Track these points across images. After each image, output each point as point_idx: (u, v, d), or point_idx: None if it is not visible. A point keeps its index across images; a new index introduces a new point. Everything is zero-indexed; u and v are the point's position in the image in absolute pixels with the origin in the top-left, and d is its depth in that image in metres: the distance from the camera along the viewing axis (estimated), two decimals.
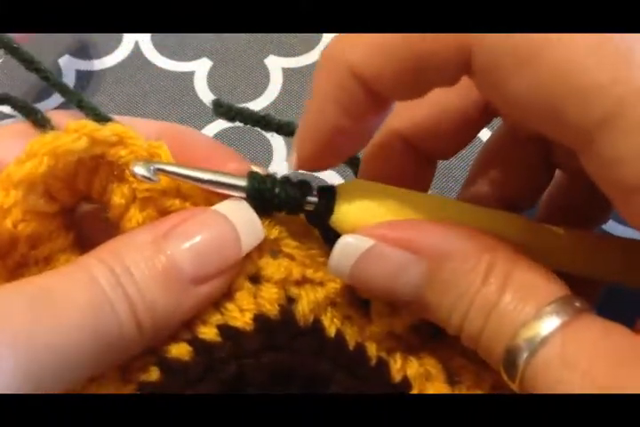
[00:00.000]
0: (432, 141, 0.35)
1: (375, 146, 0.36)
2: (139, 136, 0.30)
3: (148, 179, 0.30)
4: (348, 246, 0.29)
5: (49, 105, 0.48)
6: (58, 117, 0.33)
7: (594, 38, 0.23)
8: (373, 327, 0.32)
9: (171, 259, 0.29)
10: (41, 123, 0.32)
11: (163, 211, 0.32)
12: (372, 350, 0.32)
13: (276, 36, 0.51)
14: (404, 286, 0.29)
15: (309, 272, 0.33)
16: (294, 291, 0.32)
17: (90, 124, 0.29)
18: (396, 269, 0.29)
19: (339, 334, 0.32)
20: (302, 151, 0.31)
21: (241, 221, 0.31)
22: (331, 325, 0.32)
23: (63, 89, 0.36)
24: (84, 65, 0.50)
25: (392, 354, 0.32)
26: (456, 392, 0.31)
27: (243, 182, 0.31)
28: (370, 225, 0.30)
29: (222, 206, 0.32)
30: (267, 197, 0.31)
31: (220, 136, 0.48)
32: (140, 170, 0.30)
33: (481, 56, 0.25)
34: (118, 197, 0.31)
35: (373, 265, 0.29)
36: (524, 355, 0.26)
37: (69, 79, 0.49)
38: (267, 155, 0.47)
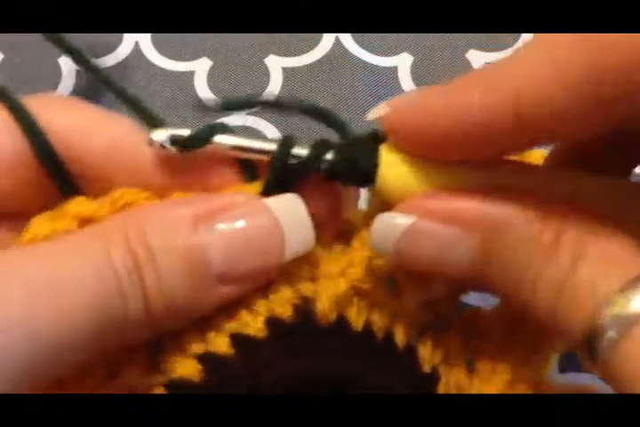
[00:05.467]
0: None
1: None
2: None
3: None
4: (387, 226, 0.26)
5: None
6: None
7: None
8: (404, 301, 0.29)
9: (202, 248, 0.26)
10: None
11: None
12: (400, 335, 0.29)
13: (276, 36, 0.51)
14: (456, 264, 0.26)
15: (325, 267, 0.29)
16: (309, 288, 0.28)
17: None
18: (443, 247, 0.25)
19: (366, 326, 0.29)
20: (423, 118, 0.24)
21: (290, 223, 0.27)
22: (358, 318, 0.29)
23: (118, 91, 0.33)
24: None
25: (422, 339, 0.29)
26: (474, 380, 0.29)
27: (273, 146, 0.27)
28: (408, 198, 0.26)
29: (274, 202, 0.28)
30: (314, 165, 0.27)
31: None
32: (158, 136, 0.27)
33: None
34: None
35: (418, 244, 0.26)
36: (610, 336, 0.22)
37: (69, 79, 0.49)
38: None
